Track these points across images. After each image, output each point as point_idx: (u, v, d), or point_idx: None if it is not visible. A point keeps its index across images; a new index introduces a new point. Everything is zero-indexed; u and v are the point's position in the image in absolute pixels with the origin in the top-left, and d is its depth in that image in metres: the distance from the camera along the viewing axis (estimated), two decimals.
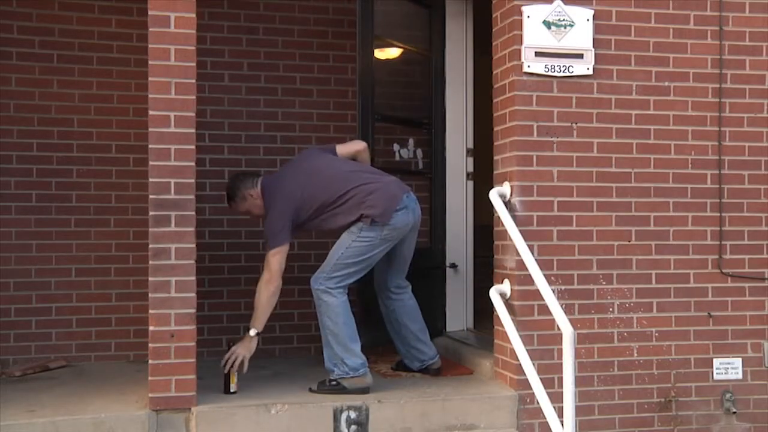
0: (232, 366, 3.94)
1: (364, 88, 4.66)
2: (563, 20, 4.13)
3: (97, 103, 4.93)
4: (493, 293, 4.11)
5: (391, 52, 5.13)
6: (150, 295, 3.69)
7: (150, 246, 3.69)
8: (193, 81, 3.76)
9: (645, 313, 4.21)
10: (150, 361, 3.68)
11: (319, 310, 4.05)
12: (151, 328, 3.68)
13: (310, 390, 4.01)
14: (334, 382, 3.98)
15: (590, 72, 4.17)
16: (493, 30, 4.37)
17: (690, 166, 4.29)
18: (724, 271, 4.31)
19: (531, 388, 3.71)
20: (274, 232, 4.03)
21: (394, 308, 4.35)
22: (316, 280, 4.06)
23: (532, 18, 4.10)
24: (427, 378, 4.38)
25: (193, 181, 3.74)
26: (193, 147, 3.76)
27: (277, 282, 4.01)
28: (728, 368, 4.28)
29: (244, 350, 3.98)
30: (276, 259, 3.99)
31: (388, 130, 5.06)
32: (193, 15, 3.75)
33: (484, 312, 4.96)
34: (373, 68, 4.69)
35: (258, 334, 4.02)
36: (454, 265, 5.24)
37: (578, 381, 3.75)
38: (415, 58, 5.35)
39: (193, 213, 3.74)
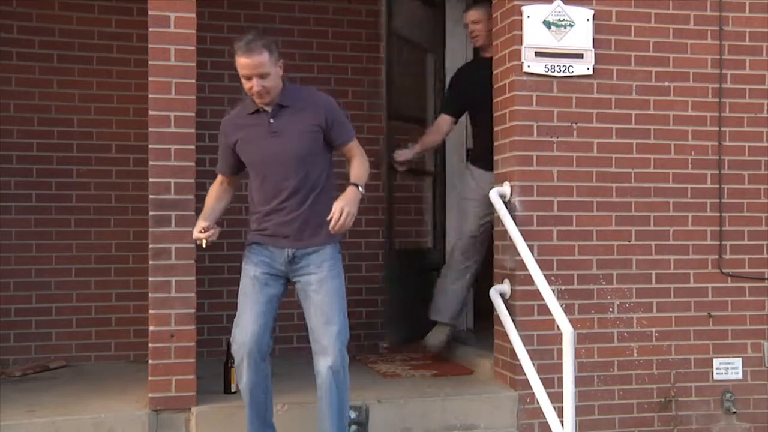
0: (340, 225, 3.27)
1: (389, 88, 4.85)
2: (563, 20, 4.13)
3: (97, 103, 4.94)
4: (493, 293, 4.12)
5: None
6: (150, 295, 3.69)
7: (150, 246, 3.69)
8: (193, 81, 3.76)
9: (645, 313, 4.21)
10: (150, 361, 3.69)
11: (340, 393, 3.33)
12: (151, 328, 3.68)
13: None
14: None
15: (590, 72, 4.17)
16: (493, 30, 4.37)
17: (690, 166, 4.29)
18: (724, 271, 4.31)
19: (531, 388, 3.72)
20: (349, 127, 3.55)
21: (268, 373, 3.43)
22: (342, 357, 3.32)
23: (532, 18, 4.10)
24: (427, 378, 4.39)
25: (193, 181, 3.75)
26: (193, 147, 3.77)
27: None
28: (728, 368, 4.28)
29: (354, 206, 3.32)
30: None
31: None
32: (193, 15, 3.75)
33: (484, 312, 4.95)
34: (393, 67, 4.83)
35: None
36: None
37: (578, 381, 3.74)
38: (414, 57, 5.34)
39: (193, 213, 3.74)
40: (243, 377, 3.33)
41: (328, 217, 3.26)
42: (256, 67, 3.31)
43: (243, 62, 3.32)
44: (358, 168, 3.48)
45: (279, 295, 3.48)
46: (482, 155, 4.62)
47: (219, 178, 3.65)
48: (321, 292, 3.37)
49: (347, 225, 3.27)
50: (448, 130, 4.81)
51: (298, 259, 3.42)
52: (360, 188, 3.38)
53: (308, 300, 3.41)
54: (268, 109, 3.42)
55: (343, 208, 3.25)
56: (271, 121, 3.41)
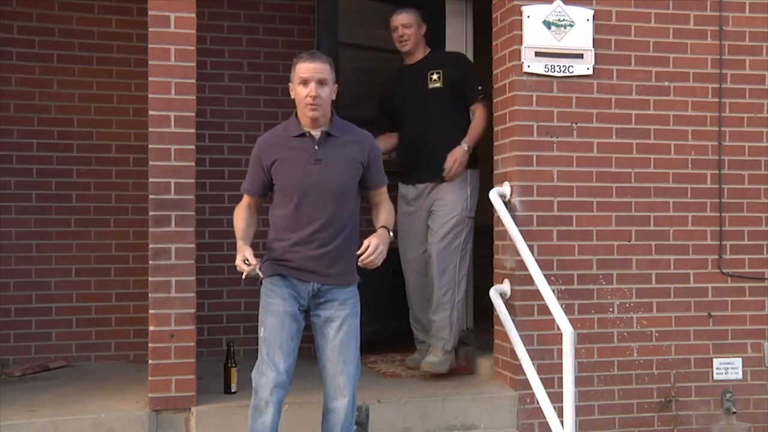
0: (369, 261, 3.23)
1: None
2: (563, 20, 4.13)
3: (97, 103, 4.94)
4: (493, 293, 4.12)
5: (379, 54, 5.11)
6: (150, 295, 3.69)
7: (150, 246, 3.70)
8: (193, 81, 3.76)
9: (645, 313, 4.21)
10: (150, 361, 3.69)
11: (347, 428, 3.36)
12: (151, 328, 3.68)
13: None
14: None
15: (590, 72, 4.17)
16: (493, 30, 4.37)
17: (690, 166, 4.29)
18: (724, 271, 4.31)
19: (531, 388, 3.72)
20: (383, 171, 3.51)
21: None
22: (354, 395, 3.33)
23: (532, 18, 4.11)
24: (427, 378, 4.38)
25: (193, 181, 3.75)
26: (193, 147, 3.77)
27: None
28: (728, 368, 4.28)
29: (386, 247, 3.30)
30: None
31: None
32: (193, 15, 3.75)
33: (484, 312, 4.95)
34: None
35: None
36: None
37: (578, 381, 3.75)
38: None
39: (193, 213, 3.75)
40: (260, 418, 3.21)
41: (359, 251, 3.21)
42: (316, 71, 3.26)
43: (304, 66, 3.28)
44: (387, 213, 3.44)
45: (302, 328, 3.39)
46: (402, 166, 4.63)
47: (245, 199, 3.43)
48: (342, 331, 3.30)
49: (376, 262, 3.22)
50: (397, 142, 4.74)
51: (322, 293, 3.32)
52: (390, 233, 3.36)
53: (325, 336, 3.32)
54: (315, 134, 3.32)
55: (378, 245, 3.22)
56: (317, 147, 3.30)
